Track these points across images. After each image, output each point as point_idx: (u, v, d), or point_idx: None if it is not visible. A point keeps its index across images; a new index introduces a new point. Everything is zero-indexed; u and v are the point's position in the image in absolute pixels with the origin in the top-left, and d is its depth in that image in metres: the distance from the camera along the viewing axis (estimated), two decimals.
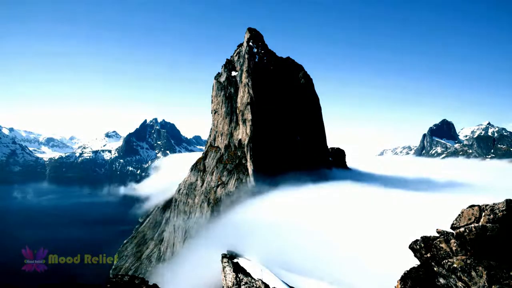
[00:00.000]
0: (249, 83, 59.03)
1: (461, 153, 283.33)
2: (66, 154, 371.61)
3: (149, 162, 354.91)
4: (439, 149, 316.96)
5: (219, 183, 57.50)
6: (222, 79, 70.79)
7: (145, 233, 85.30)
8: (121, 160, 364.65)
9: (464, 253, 7.28)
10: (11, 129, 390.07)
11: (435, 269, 7.76)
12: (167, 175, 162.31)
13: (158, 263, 66.98)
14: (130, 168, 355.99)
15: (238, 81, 66.55)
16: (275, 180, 53.33)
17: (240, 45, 72.82)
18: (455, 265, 7.18)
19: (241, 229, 41.29)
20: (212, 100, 72.81)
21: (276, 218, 41.63)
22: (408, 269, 8.37)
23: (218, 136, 67.39)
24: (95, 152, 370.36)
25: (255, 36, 67.96)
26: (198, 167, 67.74)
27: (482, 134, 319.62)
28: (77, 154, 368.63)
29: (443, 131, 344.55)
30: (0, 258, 77.83)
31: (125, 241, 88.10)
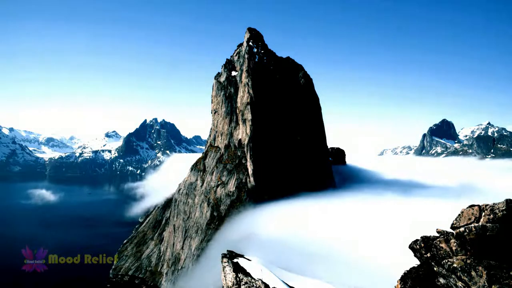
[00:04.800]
0: (249, 83, 59.03)
1: (461, 153, 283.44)
2: (66, 154, 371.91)
3: (149, 162, 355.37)
4: (439, 149, 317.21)
5: (219, 183, 57.50)
6: (222, 79, 70.79)
7: (145, 233, 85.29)
8: (121, 160, 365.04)
9: (464, 253, 7.28)
10: (11, 129, 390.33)
11: (435, 269, 7.76)
12: (167, 175, 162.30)
13: (158, 262, 67.03)
14: (130, 168, 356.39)
15: (238, 81, 66.55)
16: (275, 180, 53.38)
17: (240, 45, 72.83)
18: (455, 265, 7.18)
19: (241, 229, 41.34)
20: (212, 100, 72.81)
21: (276, 218, 41.67)
22: (408, 269, 8.37)
23: (218, 136, 67.40)
24: (95, 152, 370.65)
25: (255, 36, 67.93)
26: (198, 167, 67.75)
27: (482, 134, 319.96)
28: (77, 154, 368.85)
29: (443, 131, 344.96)
30: (0, 258, 77.81)
31: (125, 241, 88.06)
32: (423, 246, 8.20)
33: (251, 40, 66.12)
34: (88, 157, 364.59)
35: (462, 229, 7.40)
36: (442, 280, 7.49)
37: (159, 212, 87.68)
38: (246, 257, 27.29)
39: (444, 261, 7.54)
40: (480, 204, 7.56)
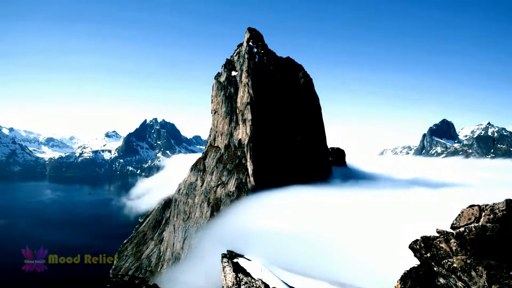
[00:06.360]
0: (249, 83, 59.02)
1: (461, 153, 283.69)
2: (66, 154, 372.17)
3: (149, 162, 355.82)
4: (439, 149, 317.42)
5: (219, 183, 57.51)
6: (222, 79, 70.78)
7: (145, 233, 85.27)
8: (121, 160, 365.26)
9: (464, 253, 7.28)
10: (11, 129, 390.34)
11: (435, 269, 7.76)
12: (167, 175, 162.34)
13: (158, 262, 67.05)
14: (130, 168, 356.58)
15: (238, 81, 66.54)
16: (275, 180, 53.33)
17: (240, 45, 72.81)
18: (455, 265, 7.18)
19: (241, 228, 41.30)
20: (212, 100, 72.80)
21: (276, 218, 41.63)
22: (408, 269, 8.37)
23: (218, 136, 67.40)
24: (95, 152, 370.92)
25: (255, 36, 67.92)
26: (198, 167, 67.76)
27: (482, 134, 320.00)
28: (77, 154, 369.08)
29: (443, 131, 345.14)
30: (0, 258, 77.80)
31: (125, 241, 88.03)
32: (423, 246, 8.20)
33: (251, 40, 66.13)
34: (88, 157, 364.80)
35: (462, 229, 7.40)
36: (442, 280, 7.49)
37: (159, 212, 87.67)
38: (246, 257, 27.29)
39: (444, 261, 7.54)
40: (480, 204, 7.56)
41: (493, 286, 6.39)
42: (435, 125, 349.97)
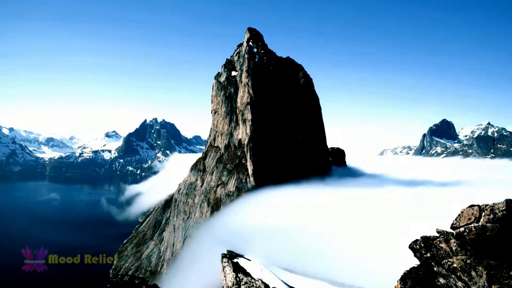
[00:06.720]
0: (249, 83, 59.02)
1: (461, 153, 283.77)
2: (66, 154, 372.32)
3: (149, 162, 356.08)
4: (439, 149, 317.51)
5: (219, 183, 57.50)
6: (222, 79, 70.77)
7: (145, 233, 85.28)
8: (121, 160, 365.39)
9: (464, 253, 7.28)
10: (11, 129, 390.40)
11: (435, 269, 7.76)
12: (167, 175, 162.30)
13: (158, 262, 67.06)
14: (130, 168, 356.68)
15: (238, 81, 66.55)
16: (275, 180, 53.35)
17: (240, 45, 72.81)
18: (455, 265, 7.18)
19: (241, 228, 41.30)
20: (212, 100, 72.80)
21: (276, 218, 41.63)
22: (408, 269, 8.37)
23: (218, 136, 67.40)
24: (95, 152, 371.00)
25: (255, 36, 67.92)
26: (198, 167, 67.76)
27: (482, 134, 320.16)
28: (77, 154, 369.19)
29: (443, 131, 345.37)
30: (0, 258, 77.78)
31: (125, 241, 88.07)
32: (423, 246, 8.20)
33: (251, 40, 66.12)
34: (88, 157, 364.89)
35: (462, 229, 7.40)
36: (442, 280, 7.49)
37: (159, 212, 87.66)
38: (246, 257, 27.30)
39: (444, 261, 7.54)
40: (480, 204, 7.56)
41: (493, 286, 6.39)
42: (435, 125, 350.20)
